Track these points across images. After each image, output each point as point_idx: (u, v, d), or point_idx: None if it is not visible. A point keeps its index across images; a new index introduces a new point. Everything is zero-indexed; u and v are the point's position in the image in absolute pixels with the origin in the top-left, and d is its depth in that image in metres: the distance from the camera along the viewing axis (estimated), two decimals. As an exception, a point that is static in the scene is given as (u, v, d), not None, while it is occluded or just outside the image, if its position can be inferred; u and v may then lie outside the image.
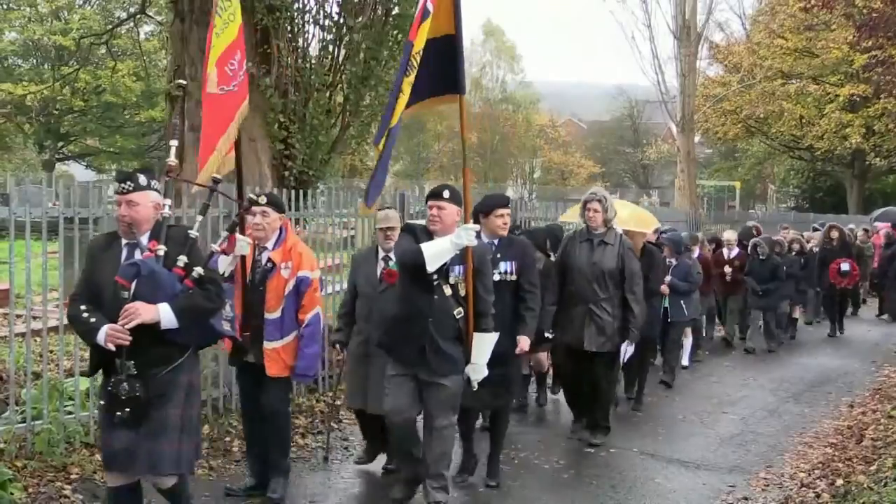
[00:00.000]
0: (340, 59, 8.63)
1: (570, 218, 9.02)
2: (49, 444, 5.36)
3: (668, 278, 8.67)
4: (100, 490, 4.95)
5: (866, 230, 16.80)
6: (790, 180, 37.46)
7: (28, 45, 27.41)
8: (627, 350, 6.41)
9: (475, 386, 4.82)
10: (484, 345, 4.79)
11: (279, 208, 5.09)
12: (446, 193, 4.81)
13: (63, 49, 25.59)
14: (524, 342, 5.55)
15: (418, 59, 4.59)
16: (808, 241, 13.58)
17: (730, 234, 11.66)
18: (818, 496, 5.42)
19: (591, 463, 6.26)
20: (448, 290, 4.70)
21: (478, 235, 5.09)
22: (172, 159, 4.26)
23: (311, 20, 8.58)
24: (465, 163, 5.26)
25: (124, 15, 16.47)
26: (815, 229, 15.34)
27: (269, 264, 4.98)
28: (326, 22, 8.59)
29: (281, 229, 5.07)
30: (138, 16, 14.49)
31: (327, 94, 8.53)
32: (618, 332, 6.28)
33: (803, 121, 28.49)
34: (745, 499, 5.53)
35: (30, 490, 4.93)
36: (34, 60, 28.82)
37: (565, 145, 49.09)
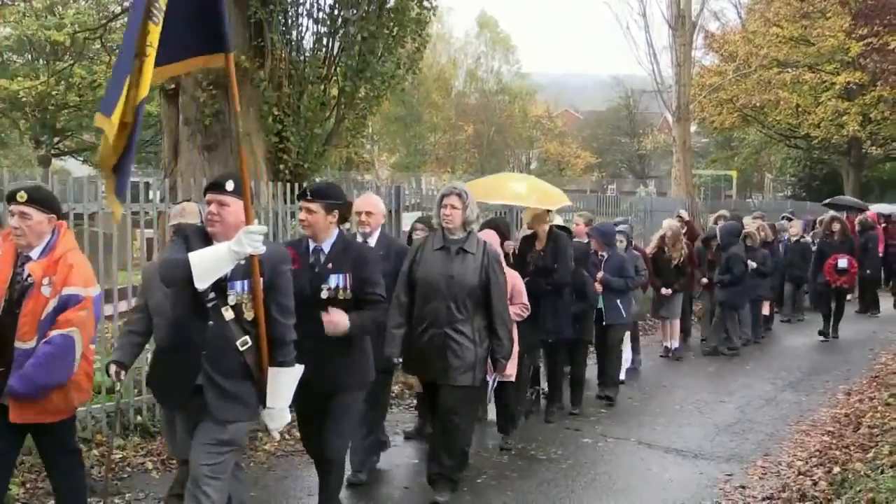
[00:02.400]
0: (335, 51, 8.63)
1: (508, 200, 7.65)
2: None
3: (600, 274, 7.79)
4: (97, 485, 4.96)
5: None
6: (787, 169, 37.44)
7: (22, 41, 27.30)
8: (493, 382, 5.42)
9: (276, 436, 3.79)
10: (282, 383, 3.71)
11: (46, 206, 3.89)
12: (230, 185, 3.63)
13: (57, 44, 25.52)
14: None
15: (164, 4, 3.56)
16: (782, 231, 12.90)
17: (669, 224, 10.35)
18: (815, 484, 5.43)
19: (588, 453, 6.27)
20: (228, 314, 3.60)
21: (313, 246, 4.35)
22: None
23: (305, 13, 8.60)
24: (238, 140, 3.87)
25: (118, 9, 16.38)
26: (788, 218, 14.34)
27: (29, 279, 3.82)
28: (320, 14, 8.59)
29: (54, 233, 3.93)
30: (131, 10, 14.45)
31: (322, 87, 8.53)
32: (481, 362, 5.07)
33: (799, 109, 28.44)
34: (743, 487, 5.54)
35: (27, 486, 4.96)
36: (28, 56, 28.74)
37: (562, 136, 49.05)
